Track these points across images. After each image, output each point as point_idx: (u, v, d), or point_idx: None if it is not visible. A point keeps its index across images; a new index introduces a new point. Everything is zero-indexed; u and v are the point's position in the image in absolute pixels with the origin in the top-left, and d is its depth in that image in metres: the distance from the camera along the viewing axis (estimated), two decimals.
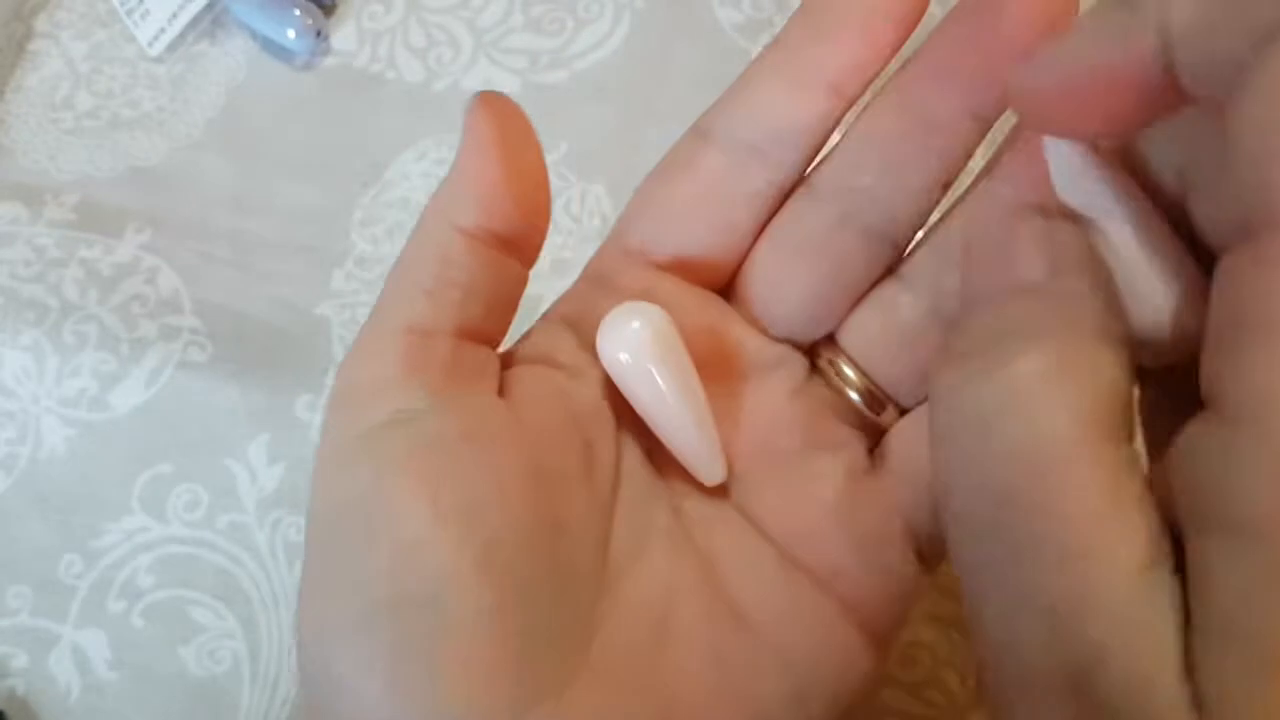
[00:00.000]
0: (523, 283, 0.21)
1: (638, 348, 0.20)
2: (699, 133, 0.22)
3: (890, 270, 0.22)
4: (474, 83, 0.42)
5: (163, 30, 0.45)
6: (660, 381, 0.20)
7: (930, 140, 0.20)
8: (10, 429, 0.40)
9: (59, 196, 0.43)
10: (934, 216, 0.22)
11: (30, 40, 0.47)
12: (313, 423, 0.38)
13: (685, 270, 0.22)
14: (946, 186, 0.21)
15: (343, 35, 0.44)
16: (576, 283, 0.24)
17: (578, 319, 0.23)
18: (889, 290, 0.22)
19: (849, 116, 0.22)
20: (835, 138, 0.22)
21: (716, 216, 0.22)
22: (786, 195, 0.22)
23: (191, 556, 0.37)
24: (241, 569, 0.37)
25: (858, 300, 0.22)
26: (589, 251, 0.41)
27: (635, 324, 0.20)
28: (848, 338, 0.23)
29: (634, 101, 0.41)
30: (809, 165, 0.22)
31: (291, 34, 0.43)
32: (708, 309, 0.23)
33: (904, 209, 0.21)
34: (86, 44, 0.46)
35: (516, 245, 0.20)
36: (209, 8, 0.44)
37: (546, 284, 0.39)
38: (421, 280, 0.20)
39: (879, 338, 0.22)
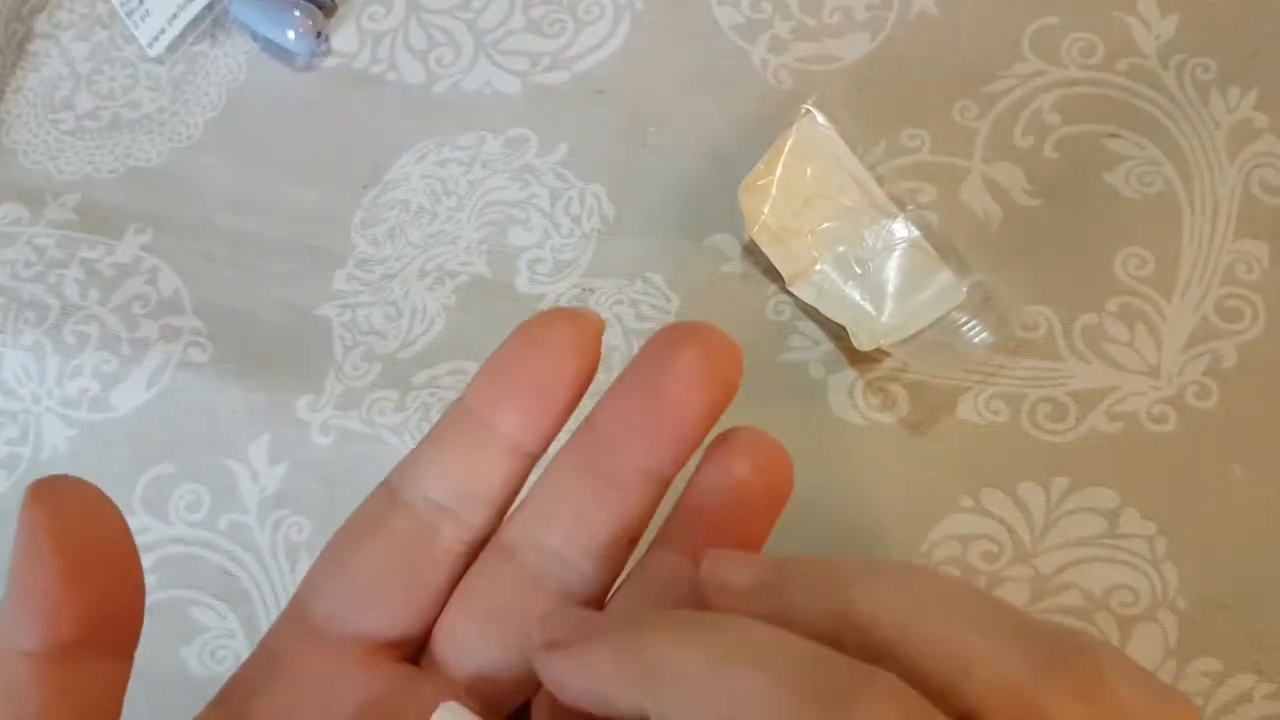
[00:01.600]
0: (122, 679, 0.19)
1: None
2: (388, 489, 0.21)
3: None
4: (475, 84, 0.42)
5: (163, 31, 0.45)
6: None
7: (611, 498, 0.20)
8: (11, 429, 0.40)
9: (60, 197, 0.43)
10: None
11: (30, 41, 0.47)
12: (314, 423, 0.38)
13: (372, 643, 0.21)
14: (633, 544, 0.21)
15: (343, 36, 0.44)
16: (248, 658, 0.22)
17: (244, 708, 0.20)
18: None
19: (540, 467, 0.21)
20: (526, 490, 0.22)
21: (407, 581, 0.21)
22: (479, 550, 0.21)
23: (193, 557, 0.37)
24: (243, 569, 0.37)
25: None
26: (589, 252, 0.41)
27: None
28: (539, 712, 0.21)
29: (634, 102, 0.41)
30: (500, 521, 0.22)
31: (291, 35, 0.43)
32: (394, 691, 0.21)
33: (593, 568, 0.21)
34: (87, 45, 0.46)
35: (103, 644, 0.18)
36: (209, 8, 0.44)
37: (547, 286, 0.39)
38: None
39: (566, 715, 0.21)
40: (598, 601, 0.21)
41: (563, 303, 0.38)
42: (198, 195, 0.43)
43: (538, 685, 0.21)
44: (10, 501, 0.39)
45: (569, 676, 0.17)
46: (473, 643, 0.21)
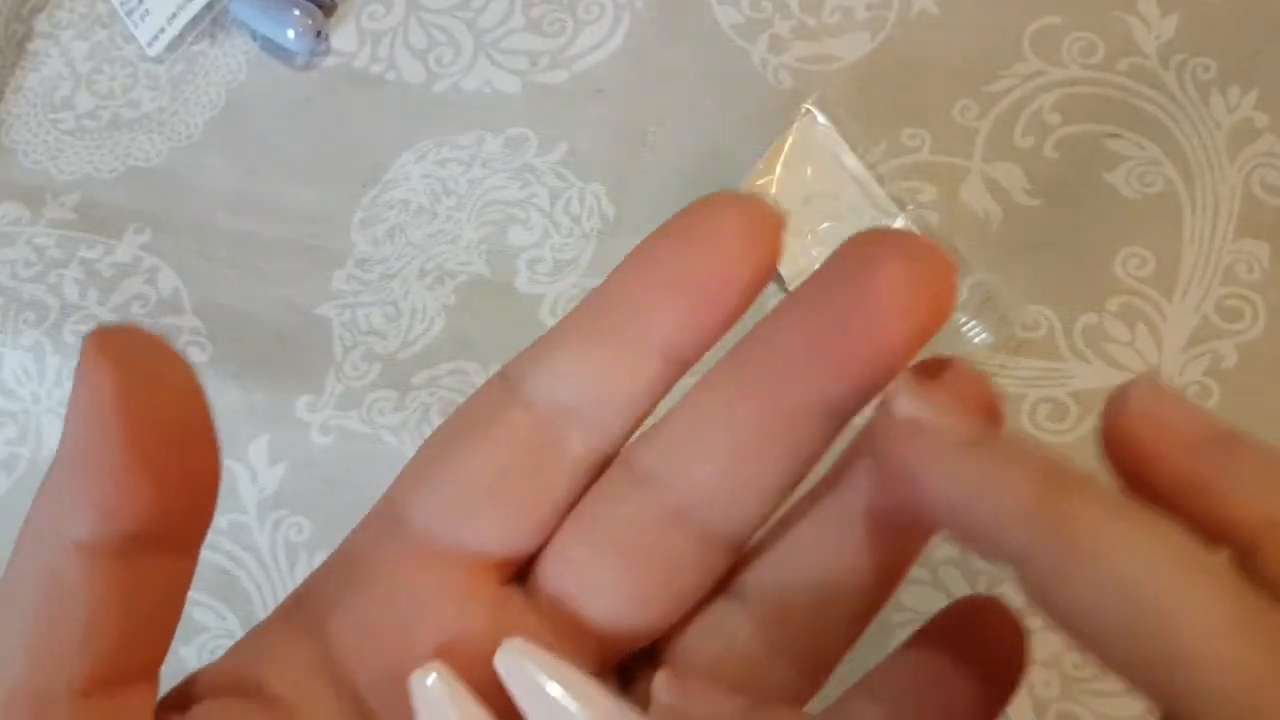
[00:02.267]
0: (187, 578, 0.16)
1: None
2: (505, 384, 0.18)
3: (725, 583, 0.18)
4: (474, 83, 0.42)
5: (162, 30, 0.45)
6: None
7: (780, 432, 0.17)
8: (11, 429, 0.40)
9: (59, 197, 0.43)
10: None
11: (30, 40, 0.47)
12: (313, 423, 0.38)
13: (475, 559, 0.18)
14: (792, 488, 0.18)
15: (343, 35, 0.44)
16: (327, 562, 0.19)
17: (321, 619, 0.18)
18: (726, 612, 0.18)
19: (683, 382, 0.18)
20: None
21: (526, 491, 0.18)
22: (604, 467, 0.18)
23: None
24: (242, 569, 0.37)
25: (687, 615, 0.18)
26: (588, 251, 0.41)
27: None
28: (672, 660, 0.18)
29: (633, 102, 0.41)
30: (633, 434, 0.18)
31: (291, 34, 0.43)
32: (495, 620, 0.18)
33: (747, 510, 0.17)
34: (87, 44, 0.46)
35: (168, 537, 0.15)
36: (208, 8, 0.44)
37: (547, 285, 0.39)
38: (22, 627, 0.15)
39: (711, 668, 0.18)
40: (738, 553, 0.18)
41: (562, 304, 0.38)
42: (197, 195, 0.43)
43: (655, 634, 0.18)
44: (10, 502, 0.39)
45: (956, 480, 0.15)
46: (590, 576, 0.18)
